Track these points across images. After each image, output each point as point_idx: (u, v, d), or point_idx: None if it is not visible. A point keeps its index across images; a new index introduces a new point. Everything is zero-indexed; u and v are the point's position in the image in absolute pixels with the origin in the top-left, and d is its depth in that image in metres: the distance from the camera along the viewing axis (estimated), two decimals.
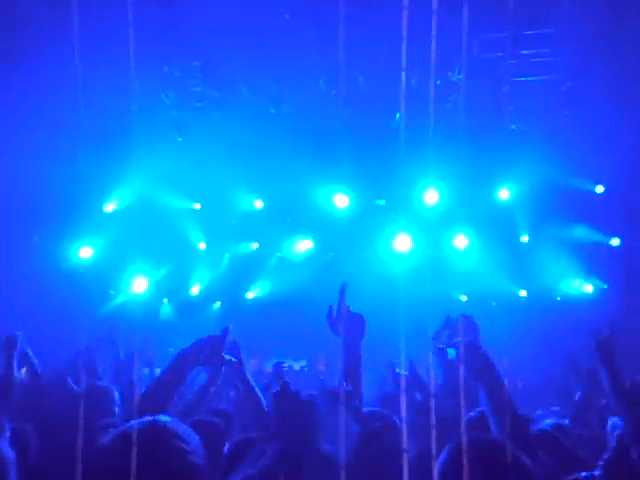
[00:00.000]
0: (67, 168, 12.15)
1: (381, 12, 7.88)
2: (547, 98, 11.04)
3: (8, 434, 2.80)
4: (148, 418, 1.70)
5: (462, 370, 2.31)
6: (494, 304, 14.54)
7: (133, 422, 1.69)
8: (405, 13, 2.39)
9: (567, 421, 4.53)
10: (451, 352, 2.21)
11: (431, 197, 13.32)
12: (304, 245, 15.20)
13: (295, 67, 10.15)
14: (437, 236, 13.98)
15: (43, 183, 11.95)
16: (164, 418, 1.72)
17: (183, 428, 1.71)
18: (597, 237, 12.88)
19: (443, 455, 1.90)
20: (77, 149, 11.57)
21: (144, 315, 14.87)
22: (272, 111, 10.02)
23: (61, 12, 8.60)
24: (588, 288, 13.62)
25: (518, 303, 14.10)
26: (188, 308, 15.27)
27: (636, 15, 8.26)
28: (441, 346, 2.20)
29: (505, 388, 2.01)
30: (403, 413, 3.27)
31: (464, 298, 14.93)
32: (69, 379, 4.17)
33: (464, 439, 1.84)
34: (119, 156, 11.93)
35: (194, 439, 1.69)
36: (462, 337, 2.44)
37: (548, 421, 4.28)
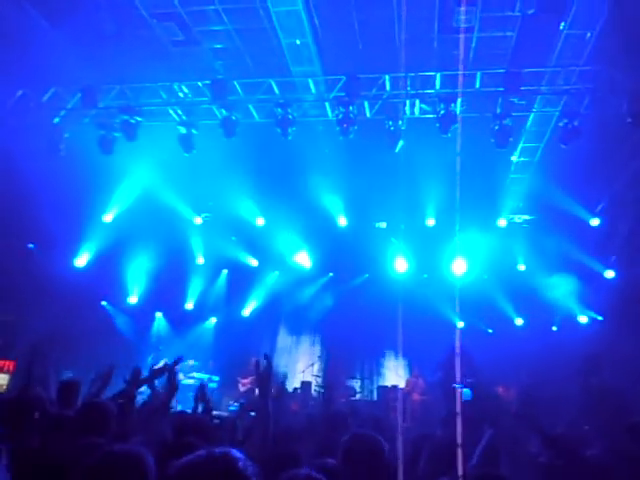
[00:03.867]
0: (67, 177, 12.20)
1: None
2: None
3: None
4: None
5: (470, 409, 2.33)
6: (490, 331, 14.61)
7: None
8: None
9: None
10: (466, 393, 2.22)
11: (431, 222, 13.50)
12: (304, 263, 15.24)
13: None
14: (435, 260, 14.10)
15: (41, 191, 11.94)
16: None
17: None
18: (592, 269, 13.01)
19: None
20: (78, 159, 11.67)
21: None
22: (288, 137, 10.04)
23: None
24: (583, 319, 13.70)
25: (514, 331, 14.17)
26: (182, 322, 15.18)
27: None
28: (457, 386, 2.23)
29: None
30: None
31: (461, 324, 14.97)
32: None
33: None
34: (120, 168, 12.02)
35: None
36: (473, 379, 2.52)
37: None
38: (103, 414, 3.84)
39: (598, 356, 11.53)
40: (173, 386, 3.56)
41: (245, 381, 13.29)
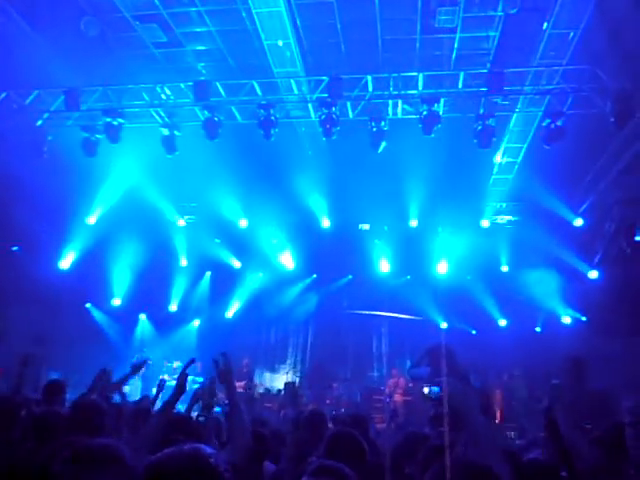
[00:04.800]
0: (50, 179, 12.14)
1: None
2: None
3: None
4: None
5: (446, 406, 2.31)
6: (474, 332, 14.66)
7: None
8: None
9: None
10: (434, 390, 2.21)
11: (414, 224, 13.54)
12: (288, 265, 15.22)
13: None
14: (419, 262, 14.15)
15: (25, 193, 11.88)
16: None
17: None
18: (576, 269, 13.06)
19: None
20: (61, 162, 11.61)
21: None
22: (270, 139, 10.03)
23: None
24: (566, 320, 13.76)
25: (498, 332, 14.21)
26: (166, 324, 15.14)
27: None
28: (426, 387, 2.21)
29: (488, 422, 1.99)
30: None
31: (444, 325, 15.03)
32: None
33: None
34: (103, 170, 11.97)
35: None
36: (444, 374, 2.50)
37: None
38: (95, 413, 3.82)
39: (585, 360, 11.58)
40: (181, 388, 3.55)
41: (239, 384, 13.24)
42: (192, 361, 3.67)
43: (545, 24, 9.35)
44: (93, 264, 13.43)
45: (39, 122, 10.93)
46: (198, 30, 10.38)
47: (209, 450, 1.79)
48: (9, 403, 4.03)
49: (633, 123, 9.63)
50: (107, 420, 3.88)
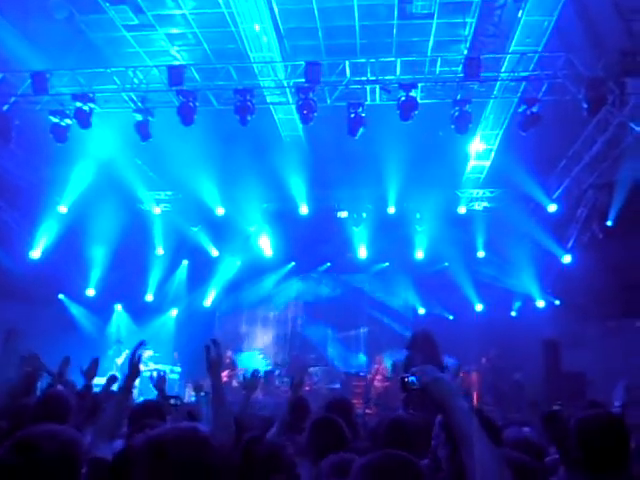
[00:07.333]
0: (19, 166, 11.80)
1: None
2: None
3: None
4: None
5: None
6: (451, 317, 14.84)
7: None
8: None
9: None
10: (412, 380, 2.17)
11: (392, 210, 13.59)
12: (266, 252, 15.14)
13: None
14: (398, 247, 14.22)
15: None
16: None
17: None
18: (550, 253, 13.28)
19: None
20: (30, 147, 11.28)
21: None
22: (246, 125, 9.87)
23: None
24: (540, 304, 14.02)
25: (475, 316, 14.40)
26: (143, 314, 14.92)
27: None
28: (404, 376, 2.17)
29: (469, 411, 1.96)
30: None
31: (422, 311, 15.18)
32: None
33: None
34: (75, 155, 11.68)
35: None
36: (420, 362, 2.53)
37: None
38: (62, 404, 3.75)
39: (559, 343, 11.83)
40: (135, 369, 3.49)
41: (222, 374, 13.20)
42: (142, 343, 3.63)
43: (520, 11, 9.39)
44: (65, 253, 13.11)
45: (5, 107, 10.56)
46: (171, 13, 10.12)
47: (205, 428, 1.83)
48: None
49: (605, 109, 9.80)
50: (73, 411, 3.82)
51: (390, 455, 1.94)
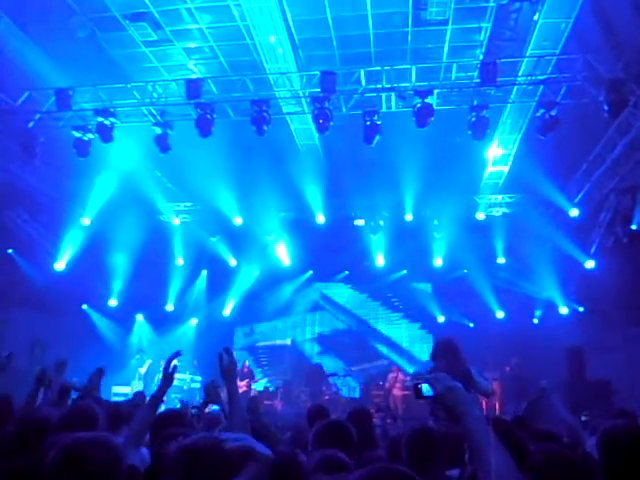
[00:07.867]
0: (43, 181, 12.08)
1: None
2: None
3: None
4: None
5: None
6: (471, 325, 14.66)
7: None
8: None
9: None
10: (426, 388, 2.12)
11: (409, 218, 13.53)
12: (284, 261, 15.18)
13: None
14: (416, 255, 14.12)
15: (18, 196, 11.83)
16: None
17: None
18: (573, 259, 13.03)
19: None
20: (54, 163, 11.54)
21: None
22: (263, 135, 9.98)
23: None
24: (563, 310, 13.76)
25: (496, 324, 14.20)
26: (163, 324, 15.08)
27: None
28: (416, 383, 2.12)
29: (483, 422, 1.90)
30: None
31: (442, 319, 15.03)
32: None
33: None
34: (97, 169, 11.92)
35: None
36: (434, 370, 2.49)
37: None
38: (90, 416, 3.80)
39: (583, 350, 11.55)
40: (169, 379, 3.52)
41: (241, 384, 13.24)
42: (178, 353, 3.63)
43: (537, 14, 9.31)
44: (89, 265, 13.37)
45: (31, 123, 10.84)
46: (188, 28, 10.32)
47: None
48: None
49: (627, 111, 9.63)
50: (101, 422, 3.85)
51: (387, 469, 1.84)
